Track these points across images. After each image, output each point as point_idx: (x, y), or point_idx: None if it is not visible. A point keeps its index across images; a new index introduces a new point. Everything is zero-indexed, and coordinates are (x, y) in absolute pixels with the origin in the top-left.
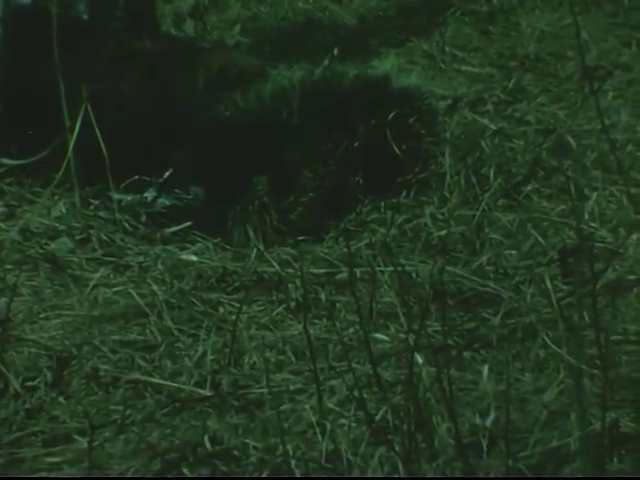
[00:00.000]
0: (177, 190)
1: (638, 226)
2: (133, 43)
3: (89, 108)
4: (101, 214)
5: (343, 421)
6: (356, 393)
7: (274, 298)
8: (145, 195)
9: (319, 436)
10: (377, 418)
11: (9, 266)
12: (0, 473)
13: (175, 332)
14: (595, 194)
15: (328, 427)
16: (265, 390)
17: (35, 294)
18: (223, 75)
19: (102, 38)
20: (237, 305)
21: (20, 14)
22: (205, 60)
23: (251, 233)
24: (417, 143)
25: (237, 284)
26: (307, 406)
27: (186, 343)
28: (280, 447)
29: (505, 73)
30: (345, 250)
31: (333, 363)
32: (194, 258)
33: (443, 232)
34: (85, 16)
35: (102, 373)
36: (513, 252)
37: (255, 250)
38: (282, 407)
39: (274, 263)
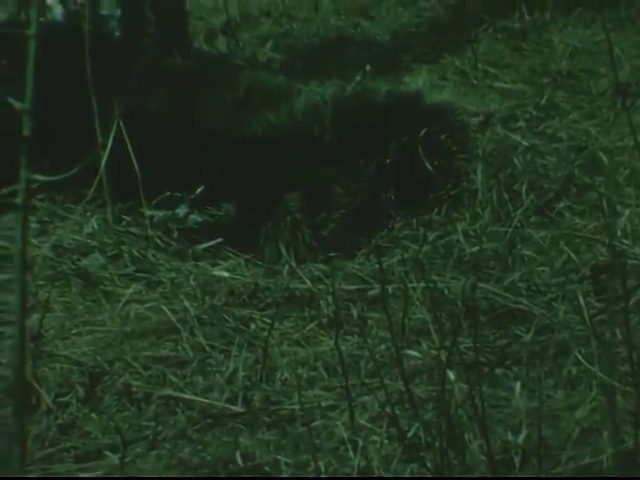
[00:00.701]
0: (209, 206)
1: None
2: (164, 60)
3: (121, 125)
4: (133, 230)
5: (375, 437)
6: (388, 409)
7: (306, 314)
8: (177, 211)
9: (351, 452)
10: (409, 435)
11: (41, 282)
12: None
13: (207, 348)
14: (628, 211)
15: (360, 443)
16: (297, 406)
17: (67, 310)
18: (251, 94)
19: (134, 55)
20: (269, 321)
21: (53, 31)
22: (234, 79)
23: (283, 249)
24: (449, 159)
25: (269, 300)
26: (339, 422)
27: (218, 359)
28: (312, 463)
29: (537, 90)
30: (377, 266)
31: (365, 379)
32: (226, 274)
33: (475, 249)
34: (117, 33)
35: (134, 389)
36: (545, 269)
37: (287, 266)
38: (314, 423)
39: (306, 279)
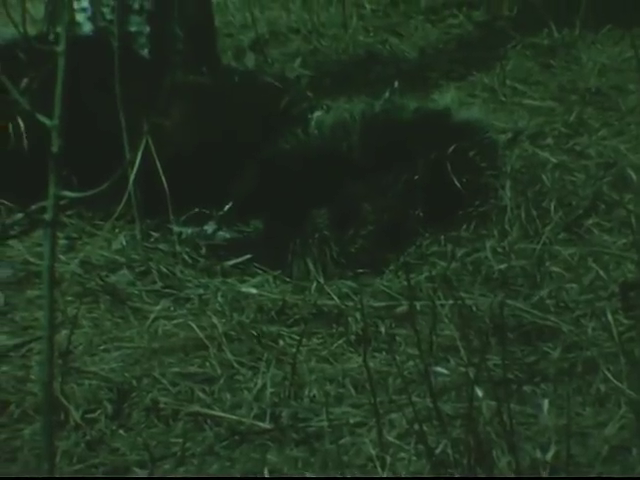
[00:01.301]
0: (237, 223)
1: None
2: (193, 77)
3: (149, 141)
4: (161, 247)
5: (403, 455)
6: (416, 426)
7: (334, 331)
8: (205, 228)
9: (379, 470)
10: (437, 452)
11: (70, 298)
12: None
13: (235, 365)
14: None
15: (388, 460)
16: (325, 423)
17: (95, 326)
18: (280, 112)
19: (162, 71)
20: (297, 338)
21: (82, 47)
22: (262, 97)
23: (311, 266)
24: (477, 176)
25: (297, 317)
26: (367, 439)
27: (246, 376)
28: None
29: (566, 107)
30: (405, 283)
31: (393, 396)
32: (254, 291)
33: (503, 265)
34: (146, 50)
35: (162, 405)
36: (574, 286)
37: (315, 283)
38: (342, 440)
39: (334, 296)
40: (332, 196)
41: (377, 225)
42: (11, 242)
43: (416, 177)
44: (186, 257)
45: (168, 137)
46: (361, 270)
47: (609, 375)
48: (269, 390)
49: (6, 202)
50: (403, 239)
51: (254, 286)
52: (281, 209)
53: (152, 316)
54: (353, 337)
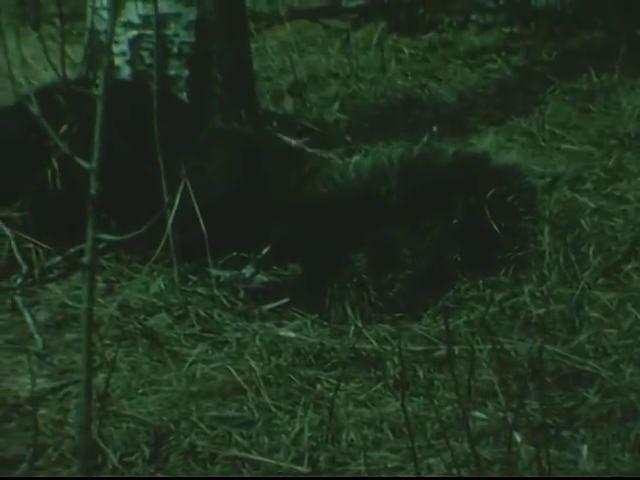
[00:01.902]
0: (275, 267)
1: None
2: (234, 124)
3: (188, 185)
4: (199, 290)
5: None
6: (454, 471)
7: (372, 375)
8: (243, 271)
9: None
10: None
11: (107, 341)
12: None
13: (273, 408)
14: None
15: None
16: (363, 467)
17: (133, 369)
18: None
19: (201, 115)
20: (335, 382)
21: (121, 91)
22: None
23: (349, 310)
24: (516, 221)
25: (335, 361)
26: None
27: (283, 419)
28: None
29: (605, 151)
30: (443, 327)
31: (431, 441)
32: (292, 334)
33: (542, 310)
34: (184, 93)
35: (199, 449)
36: (613, 331)
37: (353, 327)
38: None
39: (372, 340)
40: (370, 240)
41: (415, 269)
42: (49, 285)
43: (454, 221)
44: (224, 300)
45: (206, 181)
46: (399, 314)
47: None
48: (307, 434)
49: (45, 245)
50: (441, 283)
51: (292, 330)
52: (319, 253)
53: (190, 359)
54: (391, 381)
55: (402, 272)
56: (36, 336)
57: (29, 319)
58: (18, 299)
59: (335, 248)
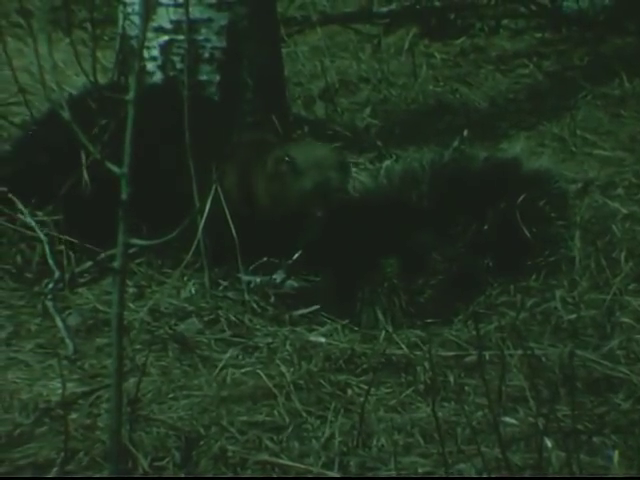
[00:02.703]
0: (306, 272)
1: None
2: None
3: (219, 189)
4: (230, 295)
5: None
6: (485, 477)
7: (402, 380)
8: (274, 277)
9: None
10: None
11: (138, 346)
12: None
13: (303, 413)
14: None
15: None
16: (393, 472)
17: (164, 374)
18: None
19: (232, 119)
20: (365, 387)
21: (152, 96)
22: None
23: (380, 315)
24: (547, 226)
25: (365, 366)
26: None
27: (314, 424)
28: None
29: (636, 157)
30: (474, 333)
31: (462, 446)
32: (322, 340)
33: (573, 316)
34: (216, 98)
35: (230, 454)
36: None
37: (384, 332)
38: None
39: (403, 345)
40: (401, 245)
41: (446, 274)
42: (80, 290)
43: (485, 227)
44: (255, 306)
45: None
46: (430, 319)
47: None
48: (337, 439)
49: (76, 250)
50: (472, 289)
51: (322, 335)
52: (350, 258)
53: (220, 364)
54: (422, 386)
55: (433, 277)
56: (67, 341)
57: (60, 324)
58: (49, 304)
59: (366, 253)
